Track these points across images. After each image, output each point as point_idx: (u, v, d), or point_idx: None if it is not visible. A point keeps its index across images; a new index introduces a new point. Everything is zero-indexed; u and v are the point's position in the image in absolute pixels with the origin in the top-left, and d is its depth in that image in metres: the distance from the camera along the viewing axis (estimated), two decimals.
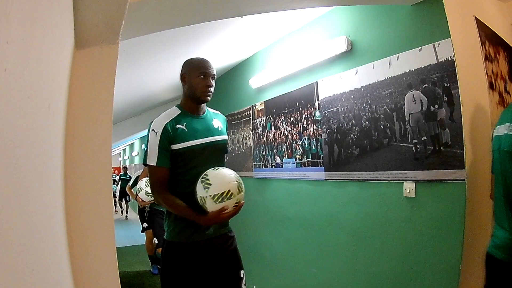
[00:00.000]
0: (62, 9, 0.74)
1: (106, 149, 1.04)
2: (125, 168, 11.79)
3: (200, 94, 1.49)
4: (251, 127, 3.22)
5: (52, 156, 0.77)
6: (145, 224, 4.39)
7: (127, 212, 11.00)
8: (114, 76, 1.04)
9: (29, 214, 0.55)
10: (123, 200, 11.04)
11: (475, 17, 1.72)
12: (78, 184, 0.96)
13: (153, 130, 1.46)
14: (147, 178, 2.94)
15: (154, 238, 3.90)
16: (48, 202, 0.72)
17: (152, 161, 1.44)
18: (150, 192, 2.54)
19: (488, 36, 1.79)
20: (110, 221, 1.06)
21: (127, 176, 10.86)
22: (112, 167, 1.38)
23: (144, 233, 4.53)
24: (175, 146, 1.45)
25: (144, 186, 3.24)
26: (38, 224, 0.61)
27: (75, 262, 0.91)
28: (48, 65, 0.65)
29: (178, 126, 1.47)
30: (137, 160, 11.44)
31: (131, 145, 12.49)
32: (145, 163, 1.49)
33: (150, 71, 3.25)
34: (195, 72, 1.50)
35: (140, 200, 3.30)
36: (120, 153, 16.30)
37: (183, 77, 1.54)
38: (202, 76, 1.49)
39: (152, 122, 1.49)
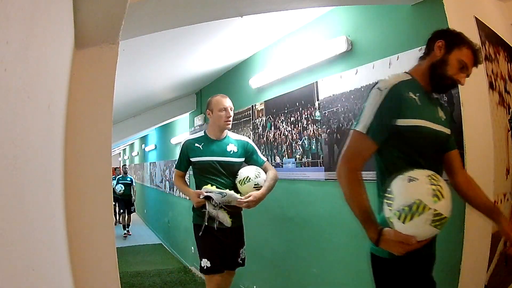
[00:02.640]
0: (62, 9, 0.74)
1: (106, 149, 1.04)
2: (124, 167, 9.10)
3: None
4: (251, 127, 3.22)
5: (52, 156, 0.77)
6: (206, 263, 2.14)
7: (128, 225, 8.33)
8: (114, 76, 1.04)
9: (29, 214, 0.55)
10: (126, 211, 8.31)
11: (475, 17, 1.72)
12: (78, 184, 0.96)
13: None
14: (255, 167, 2.28)
15: None
16: (48, 202, 0.72)
17: None
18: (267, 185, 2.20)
19: (488, 36, 1.78)
20: (110, 221, 1.06)
21: (128, 179, 8.48)
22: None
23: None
24: None
25: (254, 175, 2.17)
26: (38, 224, 0.61)
27: (75, 262, 0.91)
28: (48, 65, 0.65)
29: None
30: (137, 160, 11.33)
31: (131, 145, 12.46)
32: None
33: (150, 71, 3.25)
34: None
35: (242, 200, 2.12)
36: (120, 153, 16.30)
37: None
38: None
39: None
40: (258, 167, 2.26)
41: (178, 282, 4.51)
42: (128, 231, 8.25)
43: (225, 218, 2.16)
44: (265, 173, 2.26)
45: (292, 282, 2.68)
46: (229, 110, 2.24)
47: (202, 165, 2.23)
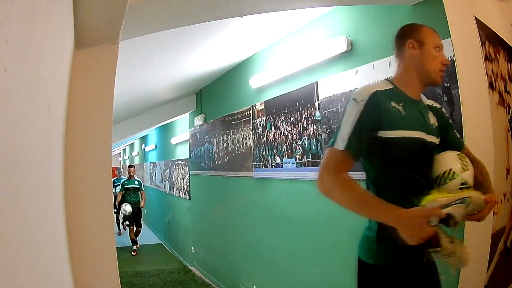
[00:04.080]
0: (62, 9, 0.74)
1: (106, 149, 1.04)
2: (131, 169, 6.91)
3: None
4: (251, 127, 3.22)
5: (52, 156, 0.77)
6: None
7: (135, 242, 6.50)
8: (114, 76, 1.04)
9: (29, 214, 0.55)
10: (134, 224, 6.47)
11: (475, 17, 1.72)
12: (78, 184, 0.96)
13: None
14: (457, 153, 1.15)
15: None
16: (48, 202, 0.72)
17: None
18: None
19: (488, 36, 1.79)
20: (110, 221, 1.06)
21: (136, 182, 6.70)
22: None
23: None
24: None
25: (460, 167, 1.10)
26: (38, 224, 0.61)
27: (75, 262, 0.91)
28: (48, 65, 0.65)
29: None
30: (137, 160, 11.35)
31: (131, 145, 12.46)
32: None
33: (150, 71, 3.25)
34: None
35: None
36: (120, 153, 16.30)
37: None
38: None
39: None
40: (459, 152, 1.18)
41: (178, 282, 4.51)
42: (135, 249, 6.47)
43: (463, 257, 1.08)
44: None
45: (292, 282, 2.68)
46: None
47: (402, 145, 1.11)
